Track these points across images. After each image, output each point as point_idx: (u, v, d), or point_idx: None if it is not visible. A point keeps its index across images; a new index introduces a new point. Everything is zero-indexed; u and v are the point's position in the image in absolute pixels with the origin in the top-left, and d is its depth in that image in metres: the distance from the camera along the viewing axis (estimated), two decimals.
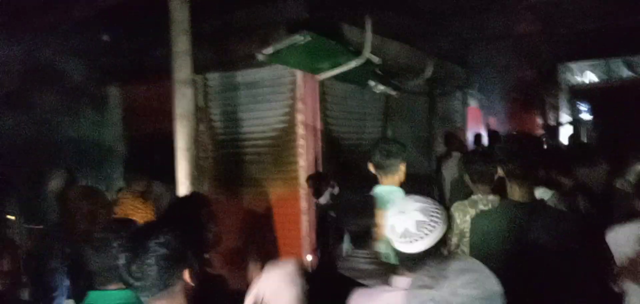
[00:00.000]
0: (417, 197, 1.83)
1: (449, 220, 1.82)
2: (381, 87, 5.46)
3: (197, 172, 3.88)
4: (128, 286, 1.72)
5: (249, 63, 4.61)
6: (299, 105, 4.62)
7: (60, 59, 4.64)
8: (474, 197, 3.19)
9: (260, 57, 4.15)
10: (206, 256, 2.38)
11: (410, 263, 1.74)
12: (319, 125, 4.77)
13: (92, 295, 2.04)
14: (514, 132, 8.15)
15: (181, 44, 3.41)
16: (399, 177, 3.08)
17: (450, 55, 7.03)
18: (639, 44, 7.74)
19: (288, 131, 4.73)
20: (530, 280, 2.33)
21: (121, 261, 1.70)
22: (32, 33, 4.29)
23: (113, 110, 5.84)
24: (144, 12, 4.26)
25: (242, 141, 4.98)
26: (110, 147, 5.78)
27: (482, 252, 2.56)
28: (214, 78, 5.04)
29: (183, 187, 3.66)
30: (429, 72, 6.13)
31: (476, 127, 8.66)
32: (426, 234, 1.72)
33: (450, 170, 5.97)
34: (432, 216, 1.74)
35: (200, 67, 4.83)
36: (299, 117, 4.62)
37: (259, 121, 4.88)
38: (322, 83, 4.81)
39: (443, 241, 1.76)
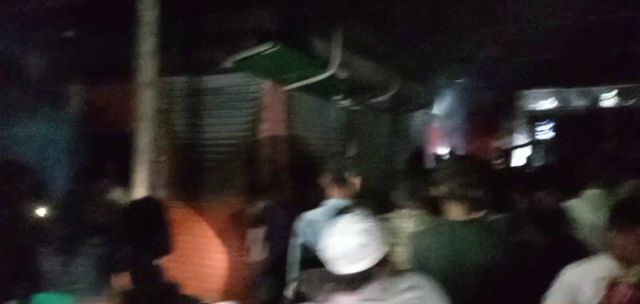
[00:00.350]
0: (358, 216, 1.79)
1: (394, 236, 1.81)
2: (346, 102, 5.51)
3: (155, 176, 3.80)
4: (66, 289, 1.67)
5: (216, 69, 4.58)
6: (264, 114, 4.60)
7: (20, 53, 4.49)
8: (402, 212, 3.20)
9: (227, 64, 4.12)
10: (157, 262, 2.32)
11: (351, 283, 1.70)
12: (283, 136, 4.76)
13: (38, 298, 1.97)
14: (466, 154, 8.38)
15: (147, 45, 3.36)
16: (352, 191, 3.08)
17: (414, 75, 7.16)
18: (595, 75, 8.14)
19: (251, 140, 4.70)
20: (468, 299, 2.40)
21: (58, 264, 1.66)
22: None
23: (74, 109, 5.66)
24: (110, 9, 4.18)
25: (204, 147, 4.91)
26: (68, 147, 5.59)
27: (421, 271, 2.60)
28: (178, 82, 4.96)
29: (139, 191, 3.58)
30: (393, 90, 6.22)
31: (438, 147, 8.82)
32: (367, 255, 1.68)
33: None
34: (373, 235, 1.71)
35: (164, 70, 4.78)
36: (263, 127, 4.60)
37: (222, 128, 4.82)
38: (288, 94, 4.82)
39: (385, 259, 1.72)
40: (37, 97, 5.04)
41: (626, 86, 8.69)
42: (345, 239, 1.71)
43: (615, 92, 8.86)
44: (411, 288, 1.33)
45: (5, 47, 4.50)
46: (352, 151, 6.14)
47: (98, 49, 4.97)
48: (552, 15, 5.45)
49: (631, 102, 8.81)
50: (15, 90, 4.79)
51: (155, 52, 3.40)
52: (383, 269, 1.70)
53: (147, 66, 3.38)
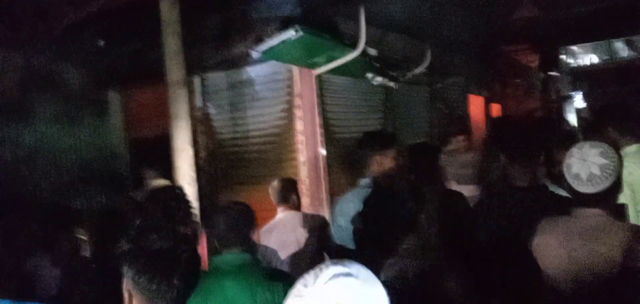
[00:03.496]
0: (592, 142, 2.06)
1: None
2: (379, 79, 5.44)
3: (197, 172, 3.89)
4: None
5: (245, 61, 4.63)
6: (297, 101, 4.61)
7: (56, 66, 4.66)
8: None
9: (253, 54, 4.15)
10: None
11: (593, 200, 2.01)
12: (318, 120, 4.76)
13: None
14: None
15: (172, 45, 3.41)
16: (375, 169, 3.03)
17: (449, 43, 6.98)
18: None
19: (287, 127, 4.73)
20: None
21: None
22: (27, 41, 4.31)
23: (114, 115, 5.84)
24: (139, 13, 4.27)
25: (242, 139, 4.99)
26: (113, 154, 5.78)
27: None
28: (211, 78, 5.05)
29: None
30: (427, 61, 6.10)
31: (478, 115, 8.60)
32: (608, 175, 1.97)
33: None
34: (611, 158, 1.99)
35: (198, 67, 4.87)
36: (298, 113, 4.62)
37: (258, 118, 4.88)
38: (319, 78, 4.81)
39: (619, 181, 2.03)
40: (78, 106, 5.23)
41: None
42: (588, 164, 1.98)
43: None
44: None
45: (46, 59, 4.68)
46: (390, 128, 6.08)
47: (131, 54, 5.10)
48: None
49: None
50: (58, 100, 4.97)
51: (181, 51, 3.46)
52: (618, 188, 2.04)
53: (174, 65, 3.44)
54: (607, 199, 2.04)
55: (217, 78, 5.02)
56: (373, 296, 1.15)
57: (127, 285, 1.54)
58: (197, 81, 5.03)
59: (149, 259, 1.52)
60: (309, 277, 1.17)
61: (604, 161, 1.98)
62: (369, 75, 5.28)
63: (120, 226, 3.03)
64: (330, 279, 1.14)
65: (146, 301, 1.51)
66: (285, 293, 2.36)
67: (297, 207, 3.89)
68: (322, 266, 1.18)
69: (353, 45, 4.60)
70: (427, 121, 7.16)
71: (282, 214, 3.77)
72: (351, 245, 2.93)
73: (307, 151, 4.63)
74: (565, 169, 2.07)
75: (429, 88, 7.18)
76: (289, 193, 3.82)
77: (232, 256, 2.42)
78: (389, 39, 5.50)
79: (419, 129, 6.84)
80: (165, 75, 3.59)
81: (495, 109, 9.03)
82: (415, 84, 6.70)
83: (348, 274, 1.15)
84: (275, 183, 3.90)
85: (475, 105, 8.60)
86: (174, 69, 3.44)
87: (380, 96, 5.93)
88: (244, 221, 2.53)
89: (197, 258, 1.65)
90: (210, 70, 4.99)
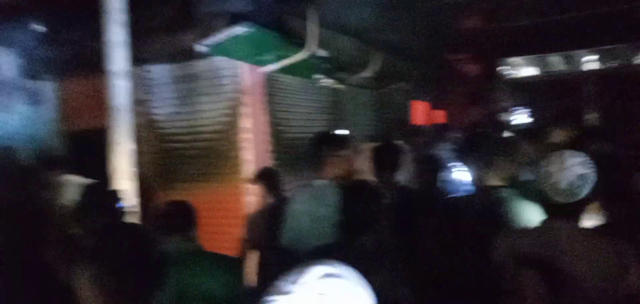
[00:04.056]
0: (571, 152, 2.02)
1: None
2: (327, 81, 5.45)
3: (136, 167, 3.73)
4: None
5: (191, 55, 4.49)
6: (243, 98, 4.53)
7: None
8: None
9: (201, 48, 4.04)
10: None
11: (570, 212, 1.97)
12: (264, 118, 4.70)
13: None
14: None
15: (115, 35, 3.25)
16: (330, 171, 2.95)
17: (396, 48, 7.09)
18: (578, 39, 8.05)
19: (232, 124, 4.64)
20: None
21: None
22: None
23: (48, 105, 5.53)
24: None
25: (185, 135, 4.85)
26: (45, 144, 5.47)
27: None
28: (154, 70, 4.88)
29: (118, 184, 3.51)
30: (374, 65, 6.16)
31: (421, 120, 8.78)
32: (586, 185, 1.94)
33: None
34: (590, 168, 1.95)
35: (140, 59, 4.68)
36: (243, 110, 4.54)
37: (202, 114, 4.76)
38: (267, 76, 4.75)
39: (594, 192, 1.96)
40: (9, 93, 4.92)
41: (610, 47, 8.49)
42: (567, 173, 1.94)
43: (597, 55, 8.74)
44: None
45: None
46: (336, 130, 6.10)
47: (71, 42, 4.85)
48: None
49: (615, 64, 8.70)
50: None
51: (125, 41, 3.30)
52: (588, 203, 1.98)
53: (116, 56, 3.28)
54: (581, 209, 2.01)
55: (161, 70, 4.86)
56: (362, 298, 1.16)
57: (85, 284, 1.45)
58: (139, 72, 4.84)
59: (116, 258, 1.46)
60: (295, 274, 1.14)
61: (583, 170, 1.94)
62: (317, 76, 5.27)
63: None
64: (320, 278, 1.12)
65: (110, 301, 1.45)
66: (238, 275, 2.37)
67: (281, 195, 3.84)
68: (308, 264, 1.16)
69: (302, 45, 4.57)
70: (372, 124, 7.24)
71: (271, 201, 3.70)
72: (300, 246, 2.88)
73: (252, 149, 4.56)
74: (542, 177, 2.00)
75: (375, 92, 7.27)
76: (276, 181, 3.77)
77: (182, 243, 2.42)
78: (338, 42, 5.50)
79: (364, 131, 6.90)
80: (106, 65, 3.42)
81: (438, 116, 9.25)
82: (362, 87, 6.75)
83: (338, 275, 1.14)
84: (261, 171, 3.84)
85: (419, 111, 8.78)
86: (115, 59, 3.28)
87: (327, 97, 5.94)
88: (188, 215, 2.55)
89: (162, 256, 1.63)
90: (154, 62, 4.81)
